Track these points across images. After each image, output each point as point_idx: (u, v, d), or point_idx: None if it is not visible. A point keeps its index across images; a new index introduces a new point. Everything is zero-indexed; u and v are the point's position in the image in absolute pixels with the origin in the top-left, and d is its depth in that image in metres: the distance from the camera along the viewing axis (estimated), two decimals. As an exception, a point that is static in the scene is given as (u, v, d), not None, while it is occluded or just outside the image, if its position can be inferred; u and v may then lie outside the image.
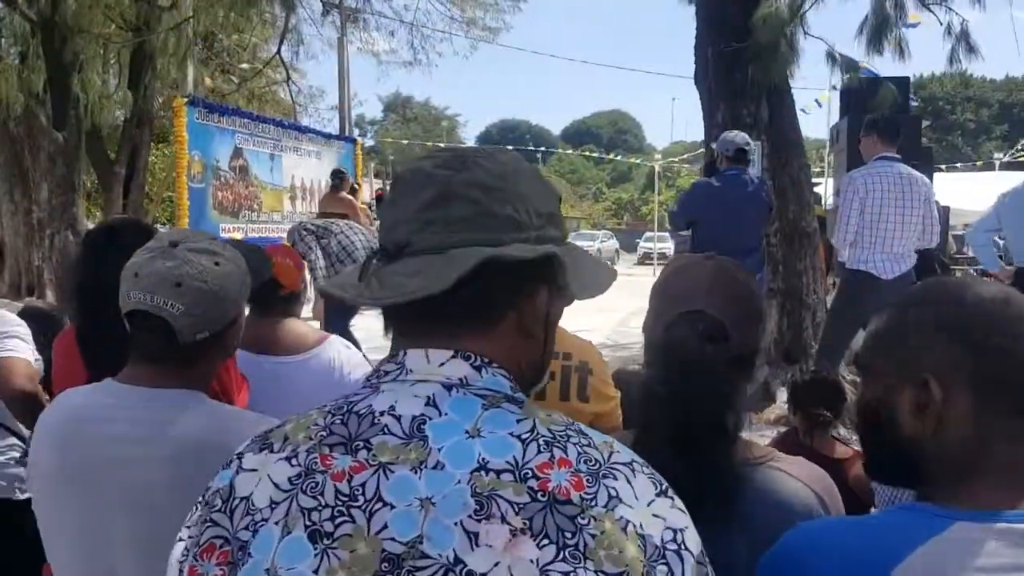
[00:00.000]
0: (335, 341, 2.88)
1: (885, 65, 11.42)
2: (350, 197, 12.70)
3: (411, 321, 0.97)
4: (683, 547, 0.86)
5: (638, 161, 59.66)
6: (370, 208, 13.12)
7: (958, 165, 31.85)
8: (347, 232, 7.07)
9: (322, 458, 0.90)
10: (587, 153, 66.88)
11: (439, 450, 0.87)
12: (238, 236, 12.47)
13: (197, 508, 0.98)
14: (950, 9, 6.44)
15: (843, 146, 8.57)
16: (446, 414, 0.89)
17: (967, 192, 16.67)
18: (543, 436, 0.88)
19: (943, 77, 57.82)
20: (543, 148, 61.89)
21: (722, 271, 1.49)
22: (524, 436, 0.88)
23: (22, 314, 3.18)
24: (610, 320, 12.16)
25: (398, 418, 0.90)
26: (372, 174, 25.55)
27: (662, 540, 0.85)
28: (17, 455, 3.01)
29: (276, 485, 0.90)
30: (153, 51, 15.04)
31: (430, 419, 0.89)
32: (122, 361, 2.39)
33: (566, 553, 0.81)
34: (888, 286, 5.18)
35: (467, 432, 0.88)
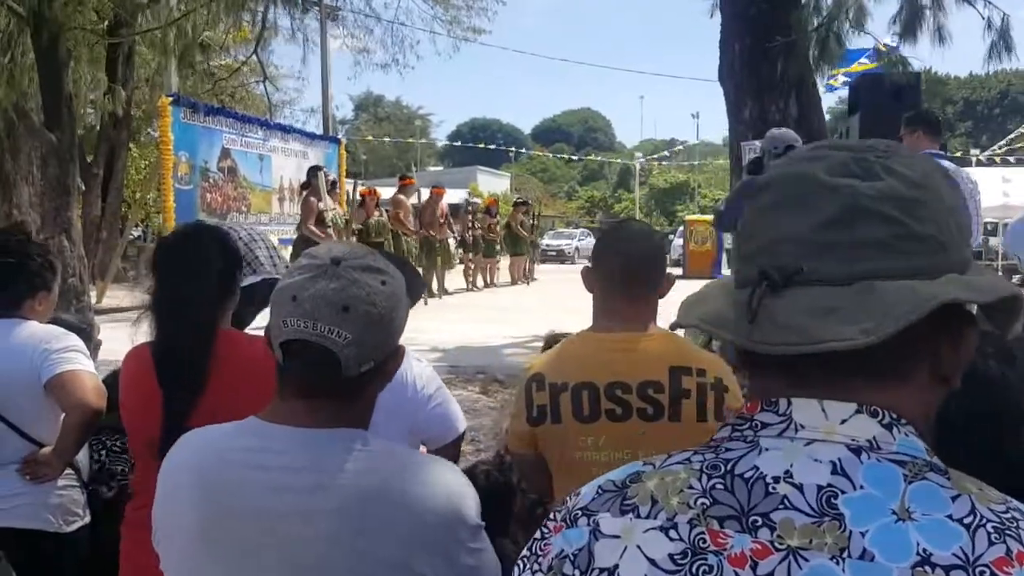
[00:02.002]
0: (407, 355, 2.70)
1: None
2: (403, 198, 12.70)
3: (790, 361, 0.77)
4: None
5: (619, 161, 59.82)
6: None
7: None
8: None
9: (712, 535, 0.75)
10: (570, 156, 66.82)
11: (863, 535, 0.71)
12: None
13: (527, 568, 0.84)
14: (989, 3, 6.34)
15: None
16: (862, 487, 0.74)
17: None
18: (989, 521, 0.72)
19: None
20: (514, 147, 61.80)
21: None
22: (966, 520, 0.72)
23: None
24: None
25: (800, 488, 0.74)
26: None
27: None
28: (70, 482, 2.79)
29: (652, 562, 0.76)
30: (131, 48, 14.71)
31: (842, 492, 0.74)
32: (202, 381, 2.19)
33: None
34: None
35: (894, 513, 0.72)
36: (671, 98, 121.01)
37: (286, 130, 14.95)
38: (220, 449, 1.37)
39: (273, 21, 12.85)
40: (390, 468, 1.33)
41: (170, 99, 11.57)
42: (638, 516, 0.78)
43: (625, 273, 2.10)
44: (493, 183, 50.13)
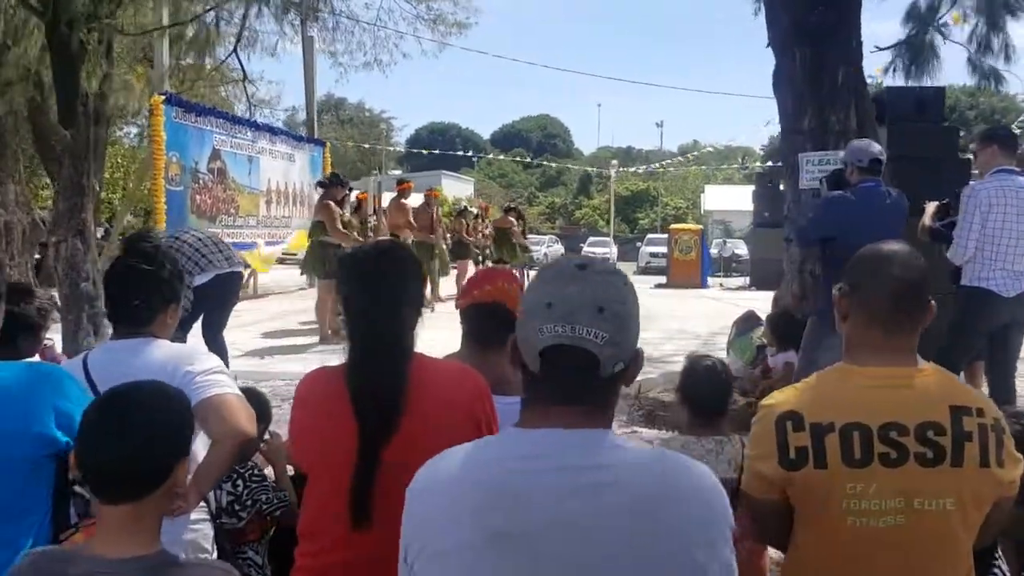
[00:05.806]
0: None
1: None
2: (407, 203, 12.55)
3: None
4: None
5: (584, 169, 59.87)
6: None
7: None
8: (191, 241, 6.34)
9: None
10: (530, 160, 66.66)
11: None
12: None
13: None
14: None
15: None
16: None
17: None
18: None
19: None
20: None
21: None
22: None
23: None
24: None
25: None
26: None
27: None
28: (202, 516, 2.55)
29: None
30: (110, 43, 14.17)
31: None
32: (401, 411, 1.98)
33: None
34: (1008, 304, 4.96)
35: None
36: (628, 106, 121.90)
37: (274, 132, 14.59)
38: (494, 460, 1.37)
39: (251, 23, 12.26)
40: (665, 464, 1.36)
41: (162, 98, 11.18)
42: None
43: (898, 301, 1.91)
44: (457, 187, 49.88)
